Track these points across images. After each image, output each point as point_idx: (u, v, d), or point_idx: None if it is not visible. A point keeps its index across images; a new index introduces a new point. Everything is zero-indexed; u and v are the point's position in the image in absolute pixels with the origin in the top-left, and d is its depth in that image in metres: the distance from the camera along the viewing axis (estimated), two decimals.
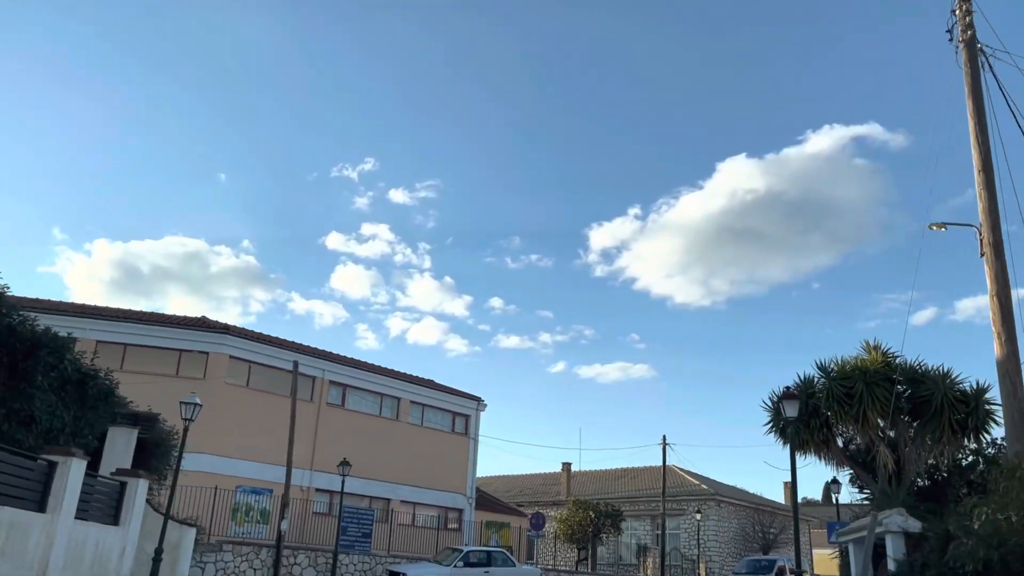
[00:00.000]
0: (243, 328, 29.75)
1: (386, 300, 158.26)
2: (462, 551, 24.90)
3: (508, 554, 25.82)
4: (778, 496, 54.33)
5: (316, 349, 30.70)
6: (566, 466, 52.17)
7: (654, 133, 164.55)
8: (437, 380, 35.88)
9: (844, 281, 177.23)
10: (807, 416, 19.82)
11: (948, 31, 15.29)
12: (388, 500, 31.80)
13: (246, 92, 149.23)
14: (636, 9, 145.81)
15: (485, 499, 36.59)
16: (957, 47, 15.06)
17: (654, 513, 46.02)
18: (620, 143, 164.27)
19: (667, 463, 49.50)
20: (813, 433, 20.02)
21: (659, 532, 45.86)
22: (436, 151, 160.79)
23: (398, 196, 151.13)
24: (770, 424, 20.94)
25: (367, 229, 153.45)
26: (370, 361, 33.72)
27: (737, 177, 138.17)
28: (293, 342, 30.41)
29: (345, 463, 26.15)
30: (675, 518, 45.28)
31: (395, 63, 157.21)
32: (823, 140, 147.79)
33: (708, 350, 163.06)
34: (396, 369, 33.88)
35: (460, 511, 34.48)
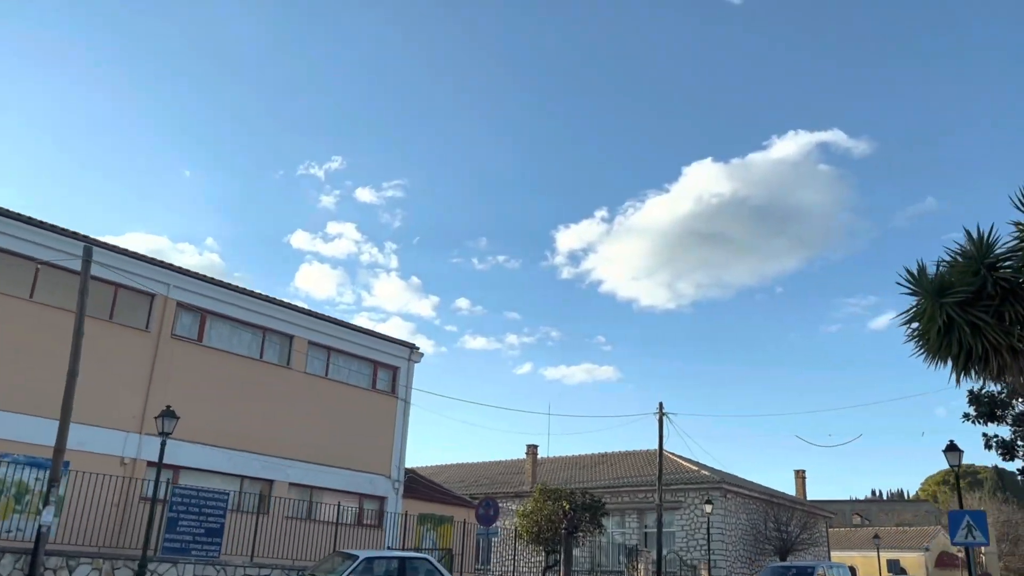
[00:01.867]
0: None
1: (352, 300, 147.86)
2: (356, 558, 14.98)
3: (435, 563, 15.92)
4: (789, 491, 44.94)
5: (149, 258, 20.41)
6: (531, 450, 42.35)
7: (621, 136, 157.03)
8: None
9: (808, 286, 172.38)
10: (985, 302, 10.16)
11: None
12: (270, 482, 21.73)
13: (212, 88, 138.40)
14: (606, 14, 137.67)
15: (420, 485, 26.64)
16: None
17: (642, 506, 36.39)
18: (588, 146, 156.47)
19: (661, 446, 40.12)
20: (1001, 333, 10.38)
21: (647, 530, 36.24)
22: (404, 150, 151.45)
23: (365, 195, 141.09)
24: (912, 314, 11.10)
25: (333, 228, 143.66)
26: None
27: (703, 181, 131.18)
28: (89, 237, 20.17)
29: (169, 415, 16.12)
30: (668, 513, 35.72)
31: (365, 62, 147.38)
32: (788, 146, 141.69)
33: (674, 353, 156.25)
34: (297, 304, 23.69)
35: (381, 500, 24.53)
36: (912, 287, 8.99)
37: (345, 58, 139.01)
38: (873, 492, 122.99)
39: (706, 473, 35.61)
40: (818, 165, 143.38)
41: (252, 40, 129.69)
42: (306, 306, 23.54)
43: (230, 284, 21.65)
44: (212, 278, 21.13)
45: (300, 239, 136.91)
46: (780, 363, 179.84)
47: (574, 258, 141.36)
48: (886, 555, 46.50)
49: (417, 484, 26.34)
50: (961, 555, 57.16)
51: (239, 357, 21.69)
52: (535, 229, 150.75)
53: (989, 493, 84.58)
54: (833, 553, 49.05)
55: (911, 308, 9.18)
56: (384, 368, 25.70)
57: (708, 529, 30.94)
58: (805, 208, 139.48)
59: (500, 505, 40.64)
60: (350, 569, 14.63)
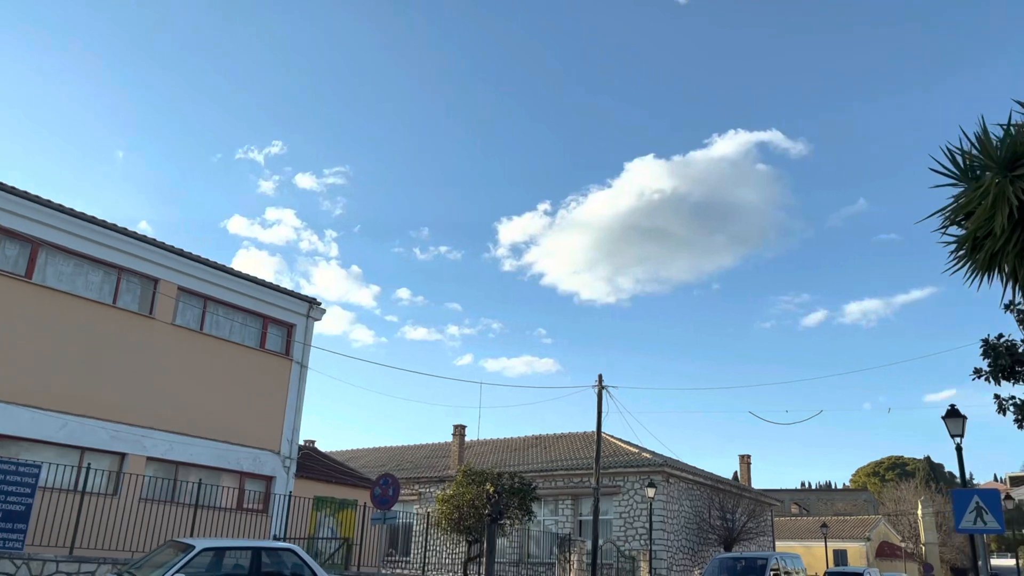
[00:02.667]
0: None
1: (290, 288, 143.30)
2: (191, 549, 11.09)
3: (302, 555, 12.10)
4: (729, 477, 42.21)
5: None
6: (459, 430, 38.65)
7: (565, 131, 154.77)
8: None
9: (743, 283, 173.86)
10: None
11: None
12: (122, 456, 17.58)
13: (148, 67, 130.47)
14: (553, 12, 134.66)
15: (318, 464, 22.74)
16: None
17: (578, 491, 33.12)
18: (532, 139, 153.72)
19: (599, 421, 36.98)
20: None
21: (582, 518, 33.00)
22: (346, 137, 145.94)
23: (305, 181, 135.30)
24: (961, 203, 7.79)
25: (272, 214, 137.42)
26: None
27: (645, 177, 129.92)
28: None
29: None
30: (606, 500, 32.52)
31: (308, 46, 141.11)
32: (728, 144, 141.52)
33: (613, 347, 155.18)
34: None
35: (268, 480, 20.55)
36: (960, 167, 5.44)
37: (288, 42, 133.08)
38: (802, 484, 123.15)
39: (647, 456, 32.51)
40: (756, 164, 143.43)
41: (190, 20, 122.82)
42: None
43: (72, 209, 17.33)
44: (44, 199, 16.78)
45: (237, 224, 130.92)
46: (716, 358, 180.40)
47: (516, 250, 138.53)
48: (829, 545, 44.38)
49: (315, 463, 22.43)
50: (903, 545, 55.73)
51: (85, 301, 17.42)
52: (478, 221, 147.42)
53: (921, 484, 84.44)
54: (777, 543, 46.87)
55: (958, 197, 5.63)
56: (276, 325, 21.66)
57: (650, 515, 27.78)
58: (743, 206, 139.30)
59: (424, 491, 37.04)
60: (181, 563, 10.75)
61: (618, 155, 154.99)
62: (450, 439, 39.76)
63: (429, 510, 29.85)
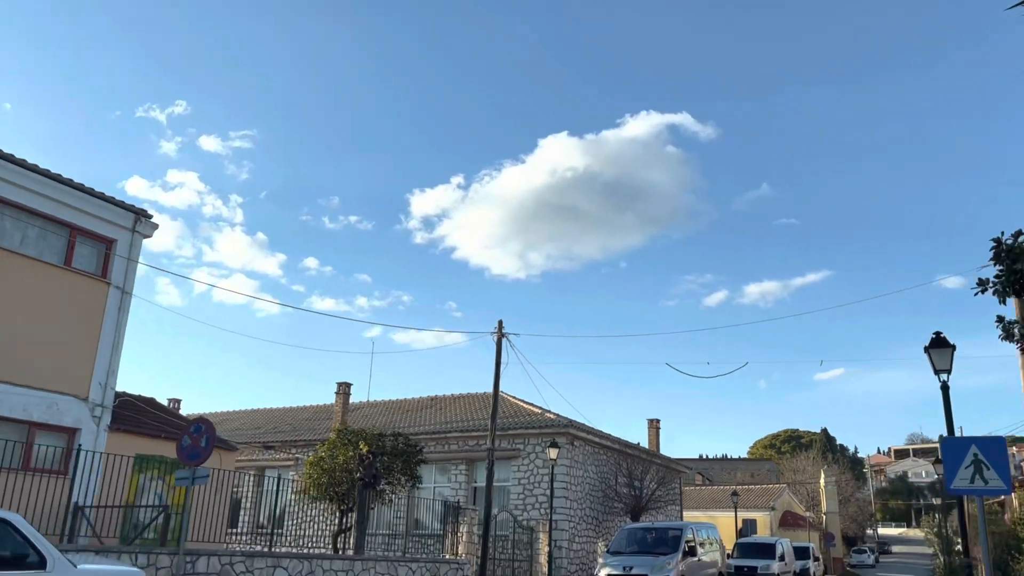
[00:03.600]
0: None
1: (192, 254, 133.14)
2: None
3: (20, 526, 8.02)
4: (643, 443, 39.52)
5: None
6: (342, 389, 34.56)
7: (481, 105, 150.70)
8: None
9: (650, 262, 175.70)
10: None
11: None
12: None
13: (41, 16, 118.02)
14: None
15: (144, 415, 18.34)
16: None
17: (473, 455, 29.67)
18: (447, 112, 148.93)
19: (499, 390, 33.56)
20: None
21: (477, 485, 29.64)
22: (254, 100, 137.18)
23: (210, 144, 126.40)
24: None
25: (174, 176, 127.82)
26: None
27: (558, 154, 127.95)
28: None
29: None
30: (503, 465, 29.23)
31: (214, 5, 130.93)
32: (640, 125, 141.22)
33: (523, 322, 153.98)
34: None
35: (71, 433, 16.11)
36: None
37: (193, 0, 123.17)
38: (700, 456, 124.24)
39: (551, 416, 29.30)
40: (667, 146, 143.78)
41: None
42: None
43: None
44: None
45: (137, 186, 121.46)
46: (623, 335, 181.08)
47: (428, 223, 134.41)
48: (735, 515, 42.64)
49: (139, 414, 18.05)
50: (807, 515, 54.97)
51: None
52: (390, 192, 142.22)
53: (819, 455, 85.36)
54: (683, 514, 44.96)
55: None
56: (89, 239, 17.05)
57: (552, 479, 24.54)
58: (652, 187, 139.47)
59: (302, 456, 32.79)
60: None
61: (532, 131, 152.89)
62: (333, 400, 35.60)
63: (297, 475, 25.80)
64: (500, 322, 24.24)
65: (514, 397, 32.98)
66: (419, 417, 34.01)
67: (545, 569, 26.11)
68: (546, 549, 26.49)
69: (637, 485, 30.30)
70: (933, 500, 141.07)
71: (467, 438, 30.08)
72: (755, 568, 29.23)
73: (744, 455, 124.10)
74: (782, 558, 30.59)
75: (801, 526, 50.39)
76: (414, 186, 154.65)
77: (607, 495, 30.45)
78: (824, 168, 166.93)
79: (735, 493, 40.92)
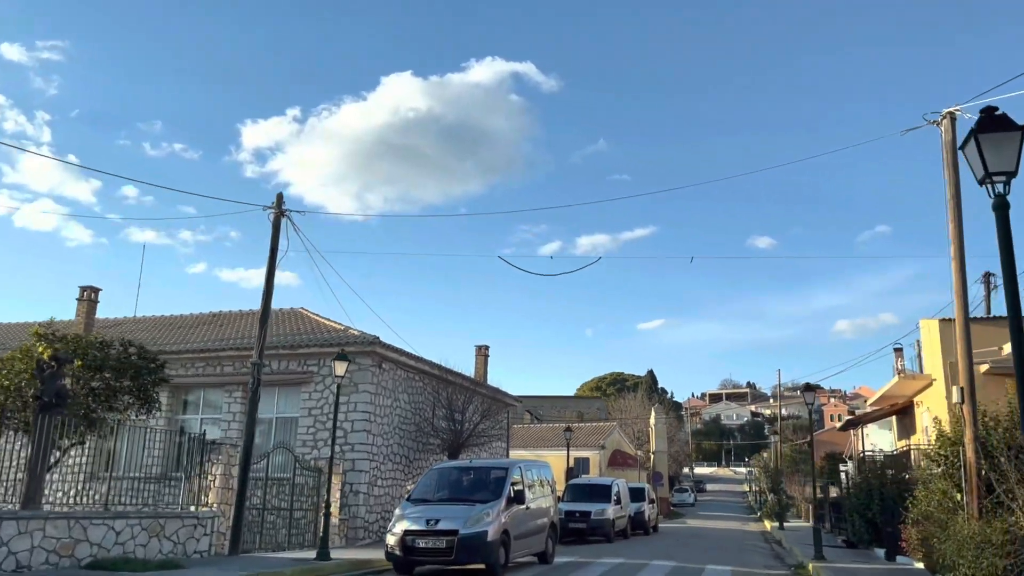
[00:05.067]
0: None
1: None
2: None
3: None
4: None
5: None
6: (86, 295, 26.93)
7: (322, 36, 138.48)
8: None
9: (489, 209, 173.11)
10: None
11: None
12: None
13: None
14: None
15: None
16: None
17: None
18: (285, 40, 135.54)
19: (296, 307, 27.62)
20: None
21: (258, 416, 23.49)
22: (66, 8, 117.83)
23: (12, 52, 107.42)
24: None
25: None
26: None
27: (401, 94, 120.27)
28: None
29: None
30: (291, 391, 23.26)
31: None
32: (484, 71, 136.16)
33: (358, 264, 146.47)
34: None
35: None
36: None
37: None
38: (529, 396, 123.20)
39: (355, 332, 23.49)
40: (510, 95, 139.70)
41: None
42: None
43: None
44: None
45: None
46: (460, 281, 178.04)
47: (261, 156, 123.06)
48: (563, 453, 39.02)
49: None
50: (637, 454, 52.83)
51: None
52: (219, 120, 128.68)
53: (644, 395, 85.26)
54: (511, 452, 40.92)
55: None
56: None
57: (335, 404, 18.72)
58: (494, 134, 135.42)
59: None
60: None
61: (375, 68, 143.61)
62: (77, 315, 27.79)
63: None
64: (280, 196, 17.98)
65: (315, 314, 26.83)
66: (194, 335, 27.11)
67: (335, 519, 20.56)
68: (337, 496, 20.93)
69: (458, 418, 25.30)
70: (741, 440, 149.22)
71: (246, 358, 23.69)
72: (588, 513, 25.24)
73: (572, 395, 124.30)
74: (618, 501, 26.85)
75: (631, 465, 48.04)
76: (246, 116, 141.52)
77: (422, 429, 25.23)
78: (657, 129, 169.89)
79: (568, 429, 37.10)
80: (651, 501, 32.32)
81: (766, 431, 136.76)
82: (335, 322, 25.41)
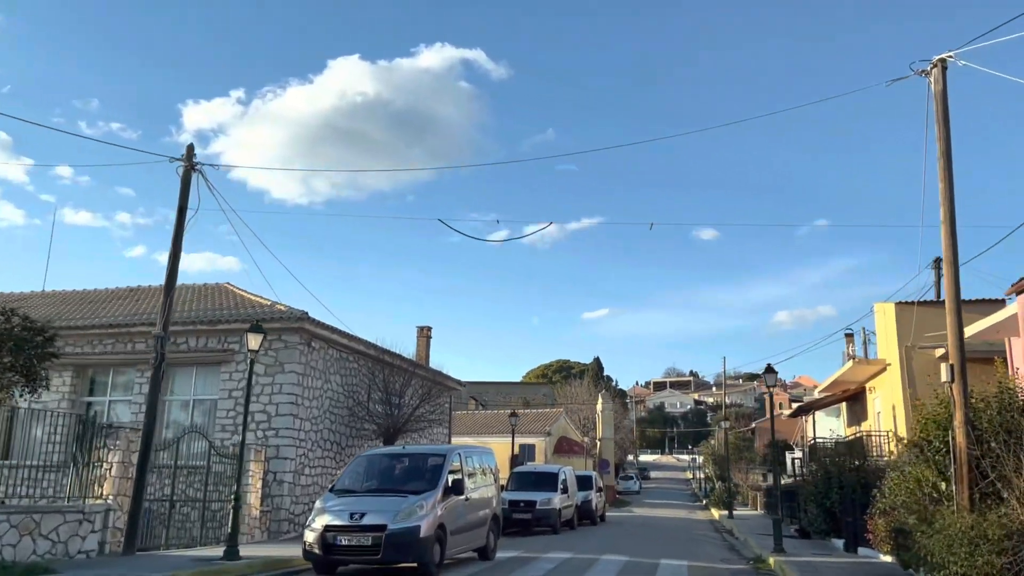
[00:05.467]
0: None
1: None
2: None
3: None
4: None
5: None
6: None
7: (269, 16, 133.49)
8: None
9: (436, 196, 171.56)
10: None
11: None
12: None
13: None
14: None
15: None
16: None
17: (173, 359, 21.08)
18: (229, 20, 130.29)
19: (222, 282, 25.53)
20: None
21: (172, 398, 21.45)
22: None
23: None
24: None
25: None
26: None
27: (348, 78, 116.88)
28: None
29: None
30: (209, 370, 21.18)
31: None
32: (434, 56, 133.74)
33: (304, 250, 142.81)
34: None
35: None
36: None
37: None
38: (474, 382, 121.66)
39: (282, 308, 21.45)
40: (459, 81, 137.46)
41: None
42: None
43: None
44: None
45: None
46: (408, 267, 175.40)
47: (203, 138, 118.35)
48: (508, 440, 37.51)
49: None
50: (583, 440, 51.67)
51: None
52: (160, 99, 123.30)
53: (591, 382, 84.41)
54: (454, 439, 39.30)
55: None
56: None
57: (248, 381, 16.70)
58: (442, 121, 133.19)
59: None
60: None
61: (322, 51, 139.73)
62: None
63: None
64: (190, 148, 15.87)
65: (242, 290, 24.65)
66: (102, 309, 24.68)
67: (256, 511, 18.62)
68: (258, 485, 18.99)
69: (396, 401, 23.50)
70: (684, 428, 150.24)
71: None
72: (534, 502, 23.75)
73: (518, 381, 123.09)
74: (564, 489, 25.43)
75: (577, 453, 46.82)
76: (188, 96, 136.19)
77: (356, 413, 23.36)
78: (604, 120, 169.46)
79: (514, 414, 35.51)
80: (599, 489, 31.03)
81: (709, 419, 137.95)
82: (262, 298, 23.31)
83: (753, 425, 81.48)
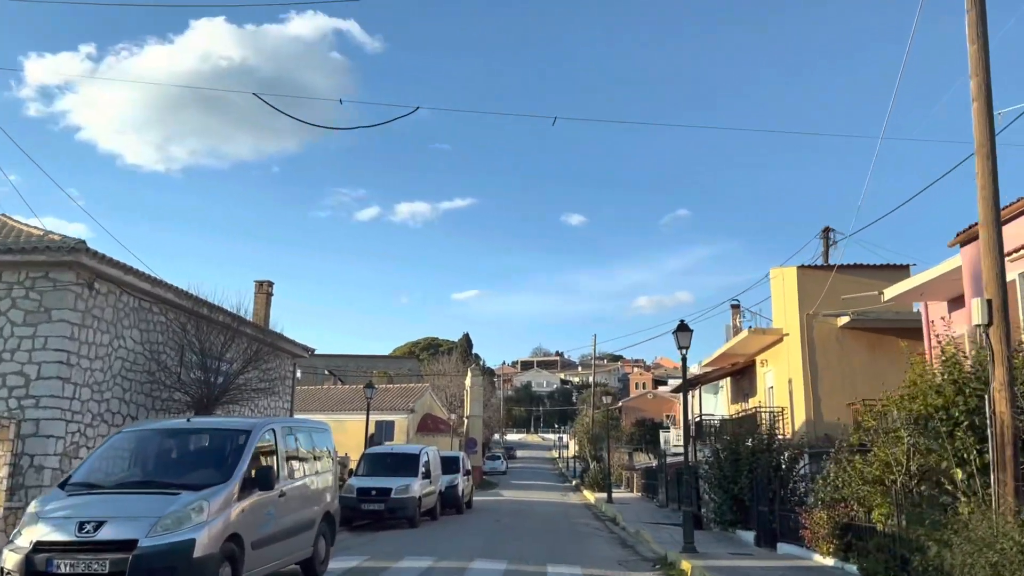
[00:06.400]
0: None
1: None
2: None
3: None
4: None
5: None
6: None
7: None
8: None
9: (303, 169, 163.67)
10: None
11: None
12: None
13: None
14: None
15: None
16: None
17: None
18: None
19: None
20: None
21: None
22: None
23: None
24: None
25: None
26: None
27: (212, 40, 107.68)
28: None
29: None
30: None
31: None
32: (305, 24, 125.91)
33: (160, 218, 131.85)
34: None
35: None
36: None
37: None
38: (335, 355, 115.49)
39: (55, 237, 15.99)
40: (331, 52, 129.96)
41: None
42: None
43: None
44: None
45: None
46: (270, 241, 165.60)
47: (47, 94, 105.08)
48: (371, 416, 32.94)
49: None
50: (450, 417, 47.65)
51: None
52: None
53: (460, 358, 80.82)
54: (299, 414, 34.36)
55: None
56: None
57: None
58: (312, 91, 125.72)
59: None
60: None
61: (184, 10, 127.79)
62: None
63: None
64: None
65: (20, 220, 18.75)
66: None
67: None
68: (5, 472, 13.73)
69: (213, 365, 18.47)
70: (551, 407, 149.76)
71: None
72: (388, 490, 19.48)
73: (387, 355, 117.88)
74: (427, 474, 21.27)
75: (443, 431, 42.80)
76: (30, 48, 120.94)
77: (160, 380, 18.15)
78: (477, 100, 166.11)
79: (370, 385, 30.73)
80: (466, 472, 27.08)
81: (575, 398, 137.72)
82: (38, 228, 17.62)
83: (620, 404, 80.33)
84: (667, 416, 75.19)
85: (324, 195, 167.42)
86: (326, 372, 56.47)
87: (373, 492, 19.39)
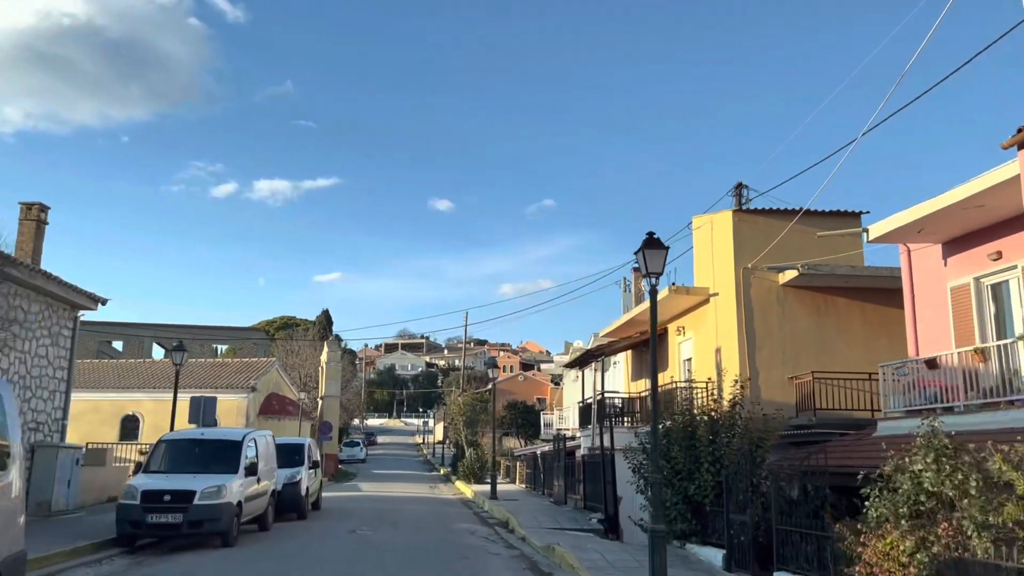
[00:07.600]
0: None
1: None
2: None
3: None
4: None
5: None
6: None
7: None
8: None
9: (155, 140, 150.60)
10: None
11: None
12: None
13: None
14: None
15: None
16: None
17: None
18: None
19: None
20: None
21: None
22: None
23: None
24: None
25: None
26: None
27: None
28: None
29: None
30: None
31: None
32: None
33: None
34: None
35: None
36: None
37: None
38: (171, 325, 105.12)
39: None
40: (189, 18, 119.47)
41: None
42: None
43: None
44: None
45: None
46: (112, 218, 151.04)
47: None
48: (191, 394, 26.03)
49: None
50: (300, 397, 40.96)
51: None
52: None
53: (317, 336, 73.71)
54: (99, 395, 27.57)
55: None
56: None
57: None
58: (167, 58, 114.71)
59: None
60: None
61: None
62: None
63: None
64: None
65: None
66: None
67: None
68: None
69: None
70: (415, 391, 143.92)
71: None
72: (191, 493, 13.15)
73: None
74: (252, 469, 15.01)
75: (291, 413, 36.16)
76: None
77: None
78: (345, 80, 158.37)
79: (180, 347, 23.42)
80: (314, 464, 20.87)
81: (440, 382, 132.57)
82: None
83: (490, 385, 75.99)
84: (538, 399, 71.26)
85: (177, 168, 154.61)
86: (157, 344, 48.17)
87: (167, 497, 13.05)
